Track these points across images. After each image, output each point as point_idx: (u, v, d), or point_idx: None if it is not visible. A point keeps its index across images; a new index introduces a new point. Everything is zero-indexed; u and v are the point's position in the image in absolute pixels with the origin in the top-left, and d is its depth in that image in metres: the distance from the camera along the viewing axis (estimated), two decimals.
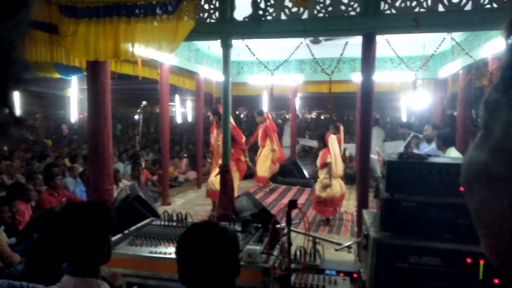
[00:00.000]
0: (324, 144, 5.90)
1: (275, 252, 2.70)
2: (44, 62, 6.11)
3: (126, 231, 3.00)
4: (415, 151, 6.72)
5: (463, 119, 7.22)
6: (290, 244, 2.45)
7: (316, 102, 15.20)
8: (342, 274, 2.87)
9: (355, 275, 2.89)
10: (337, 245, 4.27)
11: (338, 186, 5.94)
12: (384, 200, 2.45)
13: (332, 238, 5.32)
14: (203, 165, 8.63)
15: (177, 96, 11.46)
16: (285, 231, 3.01)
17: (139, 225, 3.20)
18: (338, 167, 5.92)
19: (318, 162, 6.01)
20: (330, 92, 5.40)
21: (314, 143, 7.96)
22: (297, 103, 11.53)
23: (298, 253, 3.03)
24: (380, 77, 8.34)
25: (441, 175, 2.42)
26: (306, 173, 8.72)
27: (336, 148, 5.92)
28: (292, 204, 2.35)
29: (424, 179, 2.44)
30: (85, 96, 5.66)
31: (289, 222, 2.40)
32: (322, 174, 5.93)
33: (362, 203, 4.67)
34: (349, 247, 4.03)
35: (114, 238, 2.87)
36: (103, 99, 5.16)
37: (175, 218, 3.31)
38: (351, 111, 17.03)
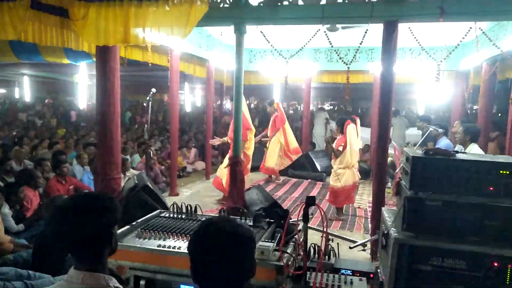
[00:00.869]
0: (342, 130, 5.80)
1: (289, 250, 2.56)
2: (53, 47, 6.02)
3: (134, 223, 2.89)
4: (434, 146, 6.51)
5: (485, 113, 6.95)
6: (306, 241, 2.31)
7: (330, 93, 14.91)
8: (358, 274, 2.73)
9: (371, 275, 2.75)
10: (351, 242, 4.12)
11: (350, 175, 5.85)
12: (407, 198, 2.29)
13: (345, 235, 5.18)
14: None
15: (186, 84, 11.30)
16: (300, 227, 2.88)
17: (147, 217, 3.09)
18: (353, 156, 5.82)
19: (333, 147, 5.94)
20: (347, 82, 5.18)
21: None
22: (311, 93, 11.28)
23: (312, 250, 2.90)
24: (399, 68, 8.10)
25: (470, 173, 2.25)
26: (318, 166, 8.54)
27: (353, 138, 5.81)
28: (311, 200, 2.20)
29: (451, 177, 2.28)
30: (93, 82, 5.56)
31: (306, 218, 2.26)
32: (336, 164, 5.84)
33: (378, 199, 4.50)
34: (363, 245, 3.88)
35: (121, 230, 2.76)
36: (112, 85, 5.04)
37: (184, 210, 3.19)
38: (365, 102, 16.67)
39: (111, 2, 4.48)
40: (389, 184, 6.84)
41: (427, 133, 6.85)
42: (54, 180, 5.59)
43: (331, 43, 4.95)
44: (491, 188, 2.22)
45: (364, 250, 4.04)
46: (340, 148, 5.80)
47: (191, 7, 4.36)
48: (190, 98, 12.28)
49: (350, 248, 3.81)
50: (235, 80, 5.12)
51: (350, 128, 5.80)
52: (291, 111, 16.51)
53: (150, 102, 5.91)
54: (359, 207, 6.54)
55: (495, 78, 6.43)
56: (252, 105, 18.20)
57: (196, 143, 10.28)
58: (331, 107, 16.23)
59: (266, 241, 2.52)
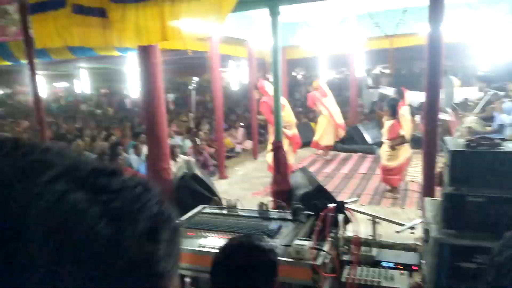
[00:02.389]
0: (394, 114, 5.47)
1: (326, 247, 2.57)
2: None
3: (178, 221, 3.05)
4: (496, 114, 6.02)
5: None
6: (338, 248, 2.30)
7: (381, 57, 14.12)
8: (400, 267, 2.68)
9: (415, 268, 2.69)
10: (399, 225, 4.01)
11: (404, 151, 5.59)
12: (446, 195, 2.18)
13: (396, 212, 5.05)
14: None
15: (231, 62, 11.30)
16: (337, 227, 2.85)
17: (190, 213, 3.24)
18: (408, 138, 5.53)
19: (385, 134, 5.58)
20: (391, 57, 4.93)
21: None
22: (360, 59, 10.79)
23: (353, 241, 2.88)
24: (454, 26, 7.43)
25: None
26: (368, 139, 8.27)
27: (407, 122, 5.49)
28: (339, 208, 2.16)
29: (496, 171, 2.11)
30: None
31: (335, 225, 2.23)
32: (388, 142, 5.56)
33: (428, 173, 4.30)
34: (412, 227, 3.75)
35: None
36: (155, 80, 5.21)
37: (226, 203, 3.30)
38: (422, 62, 15.50)
39: (146, 1, 4.56)
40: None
41: (488, 97, 6.34)
42: None
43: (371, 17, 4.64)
44: None
45: (413, 233, 3.92)
46: (402, 133, 5.43)
47: None
48: (236, 76, 12.28)
49: (397, 232, 3.71)
50: (272, 62, 5.03)
51: (404, 111, 5.47)
52: (340, 79, 15.93)
53: (194, 91, 6.04)
54: (412, 181, 6.27)
55: None
56: (299, 76, 17.85)
57: (244, 122, 10.39)
58: (385, 70, 15.38)
59: (303, 239, 2.54)
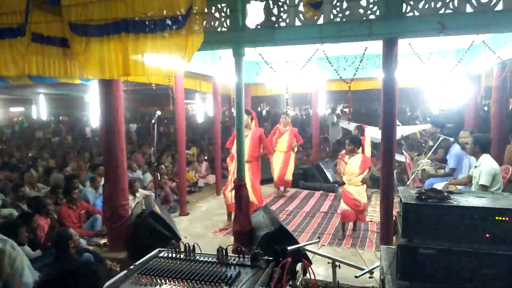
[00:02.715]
0: (359, 146, 5.62)
1: None
2: None
3: (131, 267, 2.90)
4: (448, 158, 6.34)
5: (499, 116, 6.74)
6: None
7: (343, 96, 14.77)
8: None
9: None
10: (359, 269, 4.03)
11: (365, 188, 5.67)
12: (400, 247, 2.22)
13: (356, 253, 5.09)
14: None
15: (197, 95, 11.35)
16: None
17: (145, 258, 3.09)
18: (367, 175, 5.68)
19: (356, 169, 5.55)
20: (349, 90, 5.21)
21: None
22: (322, 98, 11.20)
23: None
24: (407, 74, 7.94)
25: (464, 219, 2.17)
26: (329, 177, 8.44)
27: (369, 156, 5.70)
28: (299, 254, 2.15)
29: (445, 223, 2.20)
30: None
31: (293, 276, 2.21)
32: (360, 177, 5.52)
33: (386, 213, 4.42)
34: (371, 271, 3.79)
35: (118, 276, 2.78)
36: (116, 113, 5.12)
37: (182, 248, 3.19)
38: (379, 103, 16.36)
39: (110, 36, 4.52)
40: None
41: (439, 141, 6.70)
42: (65, 206, 5.71)
43: (330, 62, 4.87)
44: (487, 235, 2.13)
45: (372, 277, 3.95)
46: (373, 167, 5.67)
47: (188, 36, 4.36)
48: (201, 109, 12.32)
49: (356, 277, 3.72)
50: (236, 99, 5.06)
51: (366, 146, 5.69)
52: (304, 116, 16.39)
53: (156, 125, 5.95)
54: (371, 221, 6.39)
55: (506, 82, 6.21)
56: (264, 112, 18.20)
57: (208, 155, 10.33)
58: (344, 109, 16.08)
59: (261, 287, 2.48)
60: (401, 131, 9.27)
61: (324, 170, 8.50)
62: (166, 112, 12.49)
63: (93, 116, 9.59)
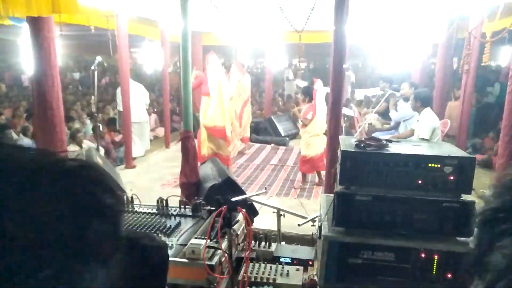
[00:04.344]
0: (310, 99, 5.73)
1: (224, 244, 2.49)
2: None
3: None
4: (393, 111, 6.54)
5: (443, 73, 6.97)
6: (231, 248, 2.24)
7: (296, 50, 14.59)
8: (296, 262, 2.73)
9: (310, 262, 2.76)
10: (303, 218, 4.13)
11: (321, 142, 5.76)
12: (337, 194, 2.23)
13: (301, 203, 5.22)
14: None
15: (145, 43, 10.66)
16: (238, 218, 2.81)
17: None
18: (320, 124, 5.75)
19: (301, 117, 5.86)
20: (300, 43, 5.15)
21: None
22: (277, 51, 10.95)
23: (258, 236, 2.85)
24: (361, 26, 7.88)
25: (399, 167, 2.20)
26: (281, 131, 8.47)
27: (321, 104, 5.73)
28: (232, 205, 2.09)
29: (382, 171, 2.21)
30: None
31: (228, 223, 2.17)
32: (305, 133, 5.81)
33: (330, 168, 4.50)
34: (313, 220, 3.88)
35: None
36: (49, 57, 4.65)
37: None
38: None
39: None
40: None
41: (386, 95, 6.87)
42: None
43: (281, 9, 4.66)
44: (420, 182, 2.19)
45: (314, 225, 4.06)
46: (309, 116, 5.71)
47: None
48: (150, 58, 11.60)
49: (299, 225, 3.81)
50: (181, 44, 4.68)
51: (318, 95, 5.72)
52: (259, 70, 16.08)
53: (96, 72, 5.51)
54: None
55: (452, 39, 6.37)
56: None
57: (158, 108, 9.94)
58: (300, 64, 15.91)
59: (199, 238, 2.44)
60: (365, 92, 9.46)
61: (276, 124, 8.51)
62: (114, 60, 11.74)
63: (29, 62, 8.65)
